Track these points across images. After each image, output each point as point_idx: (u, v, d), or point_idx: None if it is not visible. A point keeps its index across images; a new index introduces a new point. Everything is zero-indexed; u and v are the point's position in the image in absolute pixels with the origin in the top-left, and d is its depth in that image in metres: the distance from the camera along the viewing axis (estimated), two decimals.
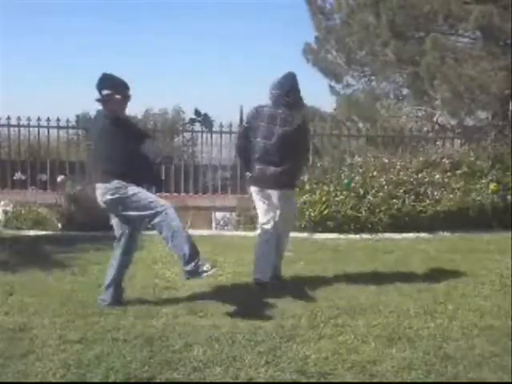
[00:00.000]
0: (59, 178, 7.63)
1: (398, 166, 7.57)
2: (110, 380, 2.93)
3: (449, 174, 7.50)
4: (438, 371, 3.09)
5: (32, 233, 6.68)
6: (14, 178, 8.34)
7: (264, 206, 4.55)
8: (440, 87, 9.21)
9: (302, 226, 6.81)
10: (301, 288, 4.48)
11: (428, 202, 7.15)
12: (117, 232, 4.21)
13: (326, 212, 6.87)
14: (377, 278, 4.82)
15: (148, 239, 6.38)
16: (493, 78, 8.58)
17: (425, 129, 10.16)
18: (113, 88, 4.00)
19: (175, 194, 8.38)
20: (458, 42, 9.95)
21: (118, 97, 4.01)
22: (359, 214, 6.97)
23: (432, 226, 7.03)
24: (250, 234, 6.93)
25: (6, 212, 7.16)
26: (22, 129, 8.86)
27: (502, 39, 9.17)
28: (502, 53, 8.97)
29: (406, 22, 9.51)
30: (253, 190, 4.62)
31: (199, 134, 9.16)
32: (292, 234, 5.10)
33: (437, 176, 7.44)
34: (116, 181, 3.93)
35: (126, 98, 4.09)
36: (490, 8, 8.39)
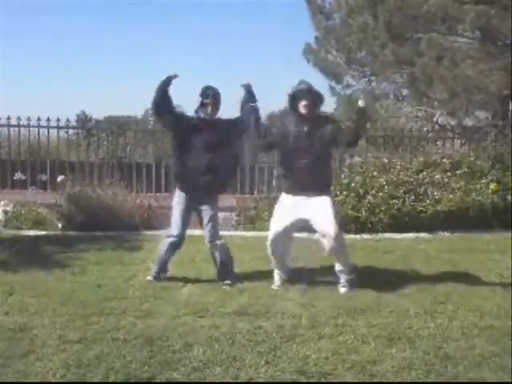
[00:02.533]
0: (59, 178, 7.63)
1: (398, 166, 7.57)
2: (110, 380, 2.93)
3: (449, 173, 7.50)
4: (438, 371, 3.09)
5: (32, 233, 6.67)
6: (14, 178, 8.33)
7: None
8: (437, 88, 9.21)
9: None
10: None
11: (428, 202, 7.15)
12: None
13: None
14: (377, 278, 4.82)
15: (148, 239, 6.39)
16: (490, 78, 8.58)
17: (425, 129, 10.16)
18: None
19: None
20: (456, 41, 9.93)
21: None
22: (359, 214, 6.97)
23: (432, 226, 7.03)
24: (250, 233, 6.94)
25: (6, 212, 7.16)
26: (22, 129, 8.86)
27: (500, 40, 9.17)
28: (499, 53, 8.96)
29: (403, 23, 9.51)
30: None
31: None
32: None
33: (437, 176, 7.44)
34: None
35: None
36: (488, 9, 8.38)
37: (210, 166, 4.58)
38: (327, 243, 4.48)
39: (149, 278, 4.75)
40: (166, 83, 4.61)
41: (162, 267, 4.78)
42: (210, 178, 4.58)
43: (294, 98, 4.53)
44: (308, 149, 4.47)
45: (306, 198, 4.49)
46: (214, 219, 4.70)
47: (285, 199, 4.64)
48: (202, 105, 4.68)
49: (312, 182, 4.48)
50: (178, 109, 4.97)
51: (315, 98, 4.55)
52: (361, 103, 4.55)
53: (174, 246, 4.74)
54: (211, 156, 4.58)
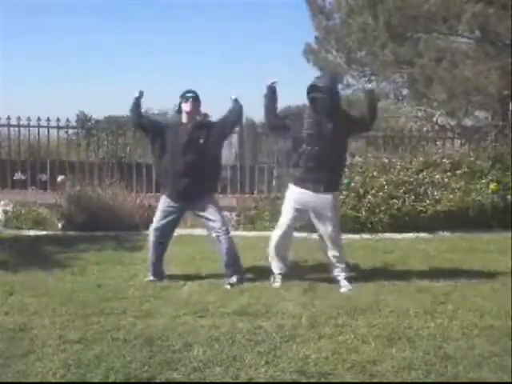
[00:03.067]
0: (59, 178, 7.62)
1: (398, 166, 7.56)
2: (110, 380, 2.93)
3: (449, 173, 7.50)
4: (438, 371, 3.09)
5: (32, 233, 6.68)
6: (14, 178, 8.33)
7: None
8: (436, 89, 9.21)
9: (302, 225, 6.79)
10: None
11: (428, 202, 7.15)
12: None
13: None
14: (377, 278, 4.82)
15: (148, 239, 6.39)
16: (489, 79, 8.57)
17: (425, 129, 10.16)
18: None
19: None
20: (455, 42, 9.92)
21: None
22: (359, 214, 6.97)
23: (432, 226, 7.03)
24: (250, 234, 6.93)
25: (6, 212, 7.16)
26: (22, 129, 8.85)
27: (499, 40, 9.15)
28: (498, 54, 8.94)
29: (402, 23, 9.50)
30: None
31: None
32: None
33: (437, 176, 7.44)
34: None
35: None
36: (486, 8, 8.37)
37: (191, 167, 4.62)
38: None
39: (150, 278, 4.77)
40: (137, 103, 4.84)
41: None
42: (193, 180, 4.62)
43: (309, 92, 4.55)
44: (322, 140, 4.48)
45: (314, 193, 4.55)
46: (219, 215, 4.75)
47: (295, 193, 4.65)
48: (181, 108, 4.73)
49: (322, 176, 4.53)
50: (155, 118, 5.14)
51: (329, 93, 4.51)
52: (369, 87, 4.80)
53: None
54: (193, 158, 4.62)
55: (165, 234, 4.77)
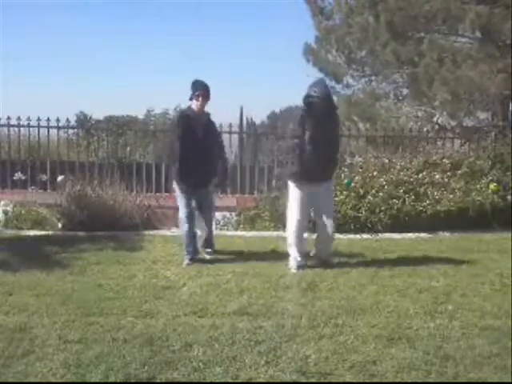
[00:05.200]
0: (59, 178, 7.62)
1: (398, 166, 7.57)
2: (110, 380, 2.93)
3: (449, 173, 7.50)
4: (437, 371, 3.09)
5: (32, 233, 6.68)
6: (14, 177, 8.33)
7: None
8: (439, 89, 9.21)
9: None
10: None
11: (428, 202, 7.15)
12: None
13: None
14: (377, 278, 4.82)
15: (148, 239, 6.40)
16: (492, 79, 8.57)
17: (425, 129, 10.15)
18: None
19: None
20: (457, 42, 9.92)
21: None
22: (359, 214, 6.97)
23: (432, 226, 7.02)
24: (250, 233, 6.94)
25: (5, 212, 7.16)
26: (21, 129, 8.84)
27: (501, 40, 9.15)
28: (500, 54, 8.94)
29: (404, 22, 9.49)
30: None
31: None
32: None
33: (437, 176, 7.44)
34: None
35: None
36: (489, 8, 8.37)
37: (204, 154, 5.24)
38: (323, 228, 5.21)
39: (186, 262, 5.29)
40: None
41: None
42: (206, 167, 5.31)
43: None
44: (321, 139, 5.02)
45: (314, 182, 5.11)
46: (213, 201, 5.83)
47: (298, 188, 5.17)
48: (194, 96, 5.27)
49: (320, 170, 5.08)
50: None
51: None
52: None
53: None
54: (205, 145, 5.25)
55: (193, 214, 5.43)
